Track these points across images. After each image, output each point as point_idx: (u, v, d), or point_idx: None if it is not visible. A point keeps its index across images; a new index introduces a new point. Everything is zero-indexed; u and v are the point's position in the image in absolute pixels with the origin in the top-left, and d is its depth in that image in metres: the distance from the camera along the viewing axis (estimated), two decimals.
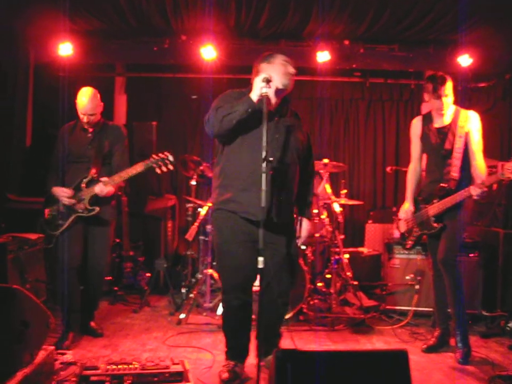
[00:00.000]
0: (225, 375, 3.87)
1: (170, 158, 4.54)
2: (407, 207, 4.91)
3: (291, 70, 3.84)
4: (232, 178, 3.86)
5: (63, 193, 4.67)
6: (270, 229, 3.69)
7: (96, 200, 4.68)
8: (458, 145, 4.54)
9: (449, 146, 4.59)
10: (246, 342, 4.04)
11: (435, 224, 4.63)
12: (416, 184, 4.95)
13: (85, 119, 4.75)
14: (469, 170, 4.60)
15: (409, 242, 4.93)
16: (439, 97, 4.56)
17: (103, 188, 4.60)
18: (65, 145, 4.82)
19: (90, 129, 4.84)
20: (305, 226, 4.19)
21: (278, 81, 3.74)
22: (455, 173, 4.54)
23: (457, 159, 4.55)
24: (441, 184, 4.58)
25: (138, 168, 4.57)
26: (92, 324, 4.98)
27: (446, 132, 4.63)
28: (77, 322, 4.81)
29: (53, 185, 4.75)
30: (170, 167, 4.56)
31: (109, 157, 4.87)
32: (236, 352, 4.03)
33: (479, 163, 4.53)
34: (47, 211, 4.81)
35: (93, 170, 4.72)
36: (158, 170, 4.53)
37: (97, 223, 4.79)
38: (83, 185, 4.69)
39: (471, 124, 4.58)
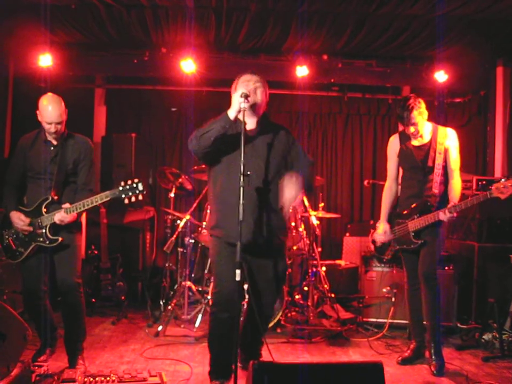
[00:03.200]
0: None
1: (140, 187, 4.10)
2: (382, 229, 4.90)
3: (248, 78, 3.89)
4: (216, 203, 3.96)
5: (19, 221, 4.24)
6: (257, 250, 3.82)
7: (56, 226, 4.24)
8: (439, 161, 4.60)
9: (431, 163, 4.63)
10: (233, 359, 3.83)
11: (416, 240, 4.65)
12: (391, 203, 4.96)
13: (52, 128, 4.24)
14: (444, 187, 4.70)
15: (387, 256, 4.97)
16: (407, 125, 4.60)
17: (64, 216, 4.13)
18: (25, 159, 4.36)
19: (54, 142, 4.36)
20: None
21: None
22: (436, 189, 4.60)
23: (438, 175, 4.61)
24: (421, 201, 4.63)
25: (104, 197, 4.12)
26: (77, 367, 4.32)
27: (427, 149, 4.67)
28: (54, 338, 4.63)
29: (11, 207, 4.33)
30: (140, 197, 4.13)
31: (73, 175, 4.41)
32: (220, 369, 3.95)
33: (455, 182, 4.60)
34: (5, 233, 4.37)
35: (53, 192, 4.28)
36: (126, 201, 4.10)
37: (59, 249, 4.31)
38: (44, 209, 4.25)
39: (450, 141, 4.64)
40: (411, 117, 4.53)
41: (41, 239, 4.24)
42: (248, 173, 3.53)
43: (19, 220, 4.24)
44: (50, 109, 4.22)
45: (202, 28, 6.40)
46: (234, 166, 3.75)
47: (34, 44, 6.70)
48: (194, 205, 6.13)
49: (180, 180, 6.34)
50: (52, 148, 4.36)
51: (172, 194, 6.39)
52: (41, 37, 6.53)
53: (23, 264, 4.36)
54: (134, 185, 4.10)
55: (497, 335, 5.19)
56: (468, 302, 5.82)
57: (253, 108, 3.81)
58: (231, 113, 3.70)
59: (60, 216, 4.13)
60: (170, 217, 6.42)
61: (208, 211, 4.10)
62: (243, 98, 3.61)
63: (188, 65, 6.97)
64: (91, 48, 7.16)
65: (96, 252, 6.57)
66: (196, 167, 5.99)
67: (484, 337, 5.37)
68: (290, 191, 3.80)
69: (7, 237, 4.37)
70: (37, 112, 4.30)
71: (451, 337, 5.56)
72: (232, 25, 6.36)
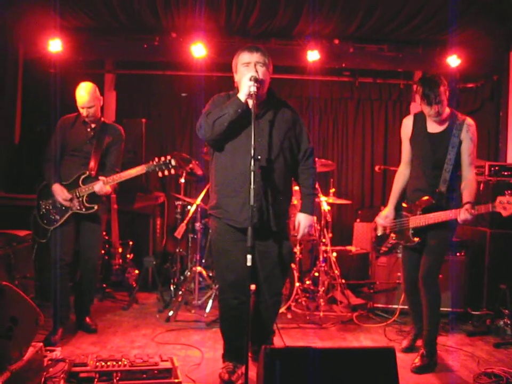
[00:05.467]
0: (226, 376, 3.84)
1: (173, 162, 4.56)
2: (386, 213, 4.61)
3: (248, 59, 3.76)
4: (218, 184, 3.91)
5: (62, 195, 4.67)
6: (261, 233, 3.76)
7: (92, 198, 4.71)
8: (450, 156, 4.20)
9: (441, 156, 4.24)
10: (245, 343, 3.65)
11: (414, 238, 4.37)
12: (402, 189, 4.62)
13: (84, 112, 4.75)
14: (457, 183, 4.31)
15: (384, 248, 4.74)
16: (429, 104, 4.18)
17: (102, 187, 4.63)
18: (64, 137, 4.82)
19: (92, 125, 4.85)
20: (301, 222, 4.00)
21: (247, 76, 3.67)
22: (443, 187, 4.23)
23: (447, 171, 4.22)
24: (427, 198, 4.29)
25: (140, 170, 4.61)
26: (87, 319, 5.03)
27: (440, 139, 4.28)
28: (67, 318, 4.87)
29: (53, 179, 4.72)
30: (173, 171, 4.59)
31: (105, 156, 4.87)
32: (234, 353, 3.96)
33: (471, 180, 4.21)
34: (42, 204, 4.80)
35: (91, 166, 4.73)
36: (160, 174, 4.59)
37: (89, 219, 4.82)
38: (81, 182, 4.71)
39: (467, 133, 4.21)
40: (436, 93, 4.12)
41: (78, 207, 4.72)
42: (259, 157, 3.51)
43: (62, 193, 4.68)
44: (81, 94, 4.74)
45: (213, 11, 6.36)
46: (238, 148, 3.76)
47: (43, 28, 6.68)
48: (205, 190, 6.10)
49: (190, 165, 6.32)
50: (89, 130, 4.86)
51: (182, 180, 6.37)
52: (51, 21, 6.51)
53: (56, 231, 4.76)
54: (167, 161, 4.58)
55: (508, 322, 5.18)
56: (480, 288, 5.79)
57: (259, 84, 3.66)
58: (242, 97, 3.65)
59: (100, 186, 4.64)
60: (180, 202, 6.41)
61: (210, 191, 4.04)
62: (252, 82, 3.56)
63: (198, 50, 6.93)
64: (101, 33, 7.14)
65: (107, 238, 6.57)
66: (206, 149, 5.97)
67: (495, 323, 5.35)
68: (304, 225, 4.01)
69: (44, 206, 4.80)
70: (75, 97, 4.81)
71: (462, 323, 5.54)
72: (243, 9, 6.31)
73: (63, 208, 4.73)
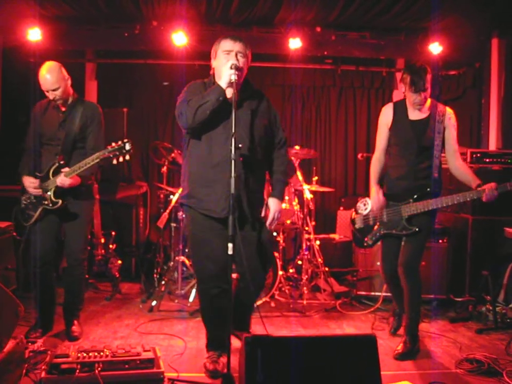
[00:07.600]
0: (211, 366, 3.84)
1: (127, 146, 4.08)
2: (378, 196, 4.45)
3: (230, 47, 3.79)
4: (192, 173, 3.87)
5: (29, 183, 4.40)
6: (239, 220, 3.67)
7: (62, 191, 4.36)
8: (437, 141, 4.22)
9: (428, 143, 4.25)
10: (228, 332, 3.69)
11: (410, 226, 4.28)
12: (380, 174, 4.56)
13: (50, 95, 4.39)
14: (440, 170, 4.36)
15: (369, 241, 4.61)
16: (417, 91, 4.19)
17: (64, 179, 4.24)
18: (37, 126, 4.51)
19: (63, 108, 4.48)
20: (271, 206, 3.94)
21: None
22: (435, 173, 4.25)
23: (437, 157, 4.24)
24: (420, 184, 4.28)
25: (95, 158, 4.14)
26: (72, 327, 4.61)
27: (423, 127, 4.29)
28: (51, 319, 4.65)
29: (25, 173, 4.46)
30: (127, 157, 4.10)
31: (82, 140, 4.50)
32: (217, 342, 3.94)
33: (463, 164, 4.30)
34: (22, 198, 4.54)
35: (60, 157, 4.39)
36: (114, 161, 4.11)
37: (69, 219, 4.50)
38: (51, 173, 4.37)
39: (450, 121, 4.28)
40: (424, 81, 4.14)
41: (46, 202, 4.40)
42: (240, 146, 3.49)
43: (29, 182, 4.42)
44: (45, 77, 4.37)
45: None
46: (215, 137, 3.76)
47: (23, 17, 6.57)
48: None
49: (173, 154, 6.30)
50: (61, 114, 4.50)
51: (165, 169, 6.35)
52: (30, 10, 6.41)
53: (33, 228, 4.51)
54: (122, 145, 4.11)
55: (490, 308, 5.21)
56: (462, 274, 5.83)
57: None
58: (223, 85, 3.64)
59: (60, 180, 4.27)
60: (163, 192, 6.38)
61: (182, 181, 4.03)
62: (233, 70, 3.57)
63: (179, 38, 6.87)
64: (81, 22, 7.03)
65: None
66: None
67: (477, 309, 5.39)
68: (275, 209, 3.93)
69: (24, 200, 4.56)
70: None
71: (445, 310, 5.58)
72: None
73: (36, 203, 4.43)
